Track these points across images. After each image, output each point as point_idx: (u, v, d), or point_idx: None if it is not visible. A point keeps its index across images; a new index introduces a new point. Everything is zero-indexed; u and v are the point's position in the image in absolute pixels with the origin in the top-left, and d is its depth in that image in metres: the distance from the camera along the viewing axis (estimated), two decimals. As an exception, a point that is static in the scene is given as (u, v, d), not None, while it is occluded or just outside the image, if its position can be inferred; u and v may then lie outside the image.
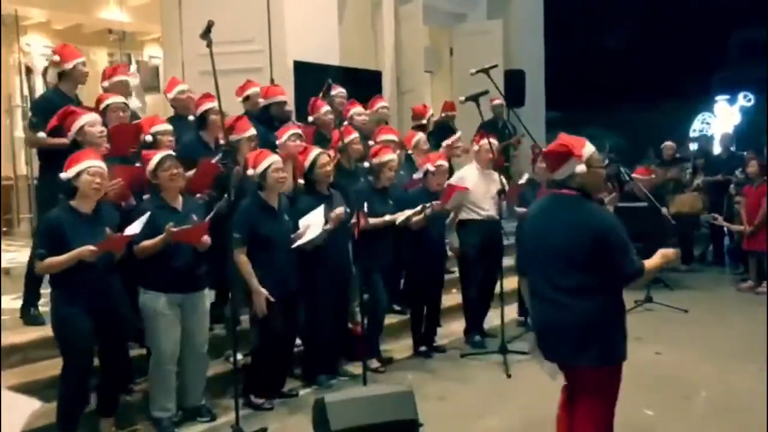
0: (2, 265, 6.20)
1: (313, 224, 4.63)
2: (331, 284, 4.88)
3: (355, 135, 5.52)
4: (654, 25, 21.51)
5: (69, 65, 4.80)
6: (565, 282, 3.05)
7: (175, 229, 3.93)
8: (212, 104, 4.85)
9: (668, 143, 9.94)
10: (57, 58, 4.80)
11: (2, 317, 4.94)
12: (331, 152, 5.22)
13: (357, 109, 6.26)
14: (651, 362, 5.36)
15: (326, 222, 4.66)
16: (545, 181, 5.34)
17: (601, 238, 3.00)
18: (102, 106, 4.74)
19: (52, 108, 4.56)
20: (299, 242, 4.58)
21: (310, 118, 5.90)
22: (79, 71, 4.84)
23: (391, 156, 5.27)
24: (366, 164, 5.28)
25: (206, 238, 4.13)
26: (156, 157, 4.14)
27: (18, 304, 4.92)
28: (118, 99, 4.81)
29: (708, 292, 8.00)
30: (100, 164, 3.80)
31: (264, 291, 4.38)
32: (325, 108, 5.86)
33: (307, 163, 4.83)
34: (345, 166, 5.34)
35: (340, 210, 4.76)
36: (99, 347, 3.88)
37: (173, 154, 4.24)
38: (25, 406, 2.50)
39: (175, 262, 4.07)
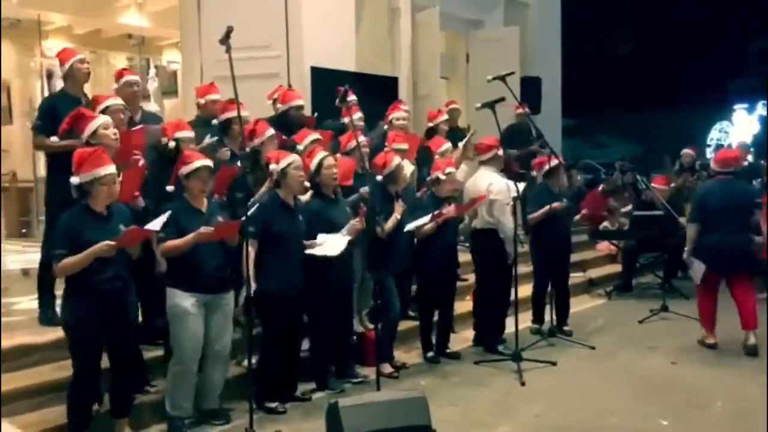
0: (22, 266, 6.29)
1: (331, 243, 4.65)
2: (334, 289, 4.86)
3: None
4: (671, 32, 21.35)
5: (67, 65, 4.76)
6: (735, 226, 5.70)
7: (206, 231, 3.97)
8: (235, 114, 4.86)
9: (687, 150, 9.81)
10: (56, 62, 4.78)
11: (19, 318, 5.02)
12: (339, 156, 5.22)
13: (398, 114, 6.31)
14: (666, 372, 5.33)
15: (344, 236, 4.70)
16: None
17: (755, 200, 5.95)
18: (100, 107, 4.59)
19: (54, 111, 4.59)
20: (312, 251, 4.61)
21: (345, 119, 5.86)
22: (77, 68, 4.76)
23: (396, 160, 5.28)
24: (378, 178, 5.24)
25: (236, 235, 4.21)
26: (196, 162, 4.15)
27: (36, 304, 4.95)
28: (117, 101, 4.69)
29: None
30: (111, 171, 3.76)
31: (253, 285, 4.28)
32: (357, 114, 5.88)
33: (312, 166, 4.78)
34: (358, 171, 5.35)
35: (357, 223, 4.77)
36: (110, 347, 3.89)
37: (211, 166, 4.23)
38: None
39: (203, 263, 4.10)
